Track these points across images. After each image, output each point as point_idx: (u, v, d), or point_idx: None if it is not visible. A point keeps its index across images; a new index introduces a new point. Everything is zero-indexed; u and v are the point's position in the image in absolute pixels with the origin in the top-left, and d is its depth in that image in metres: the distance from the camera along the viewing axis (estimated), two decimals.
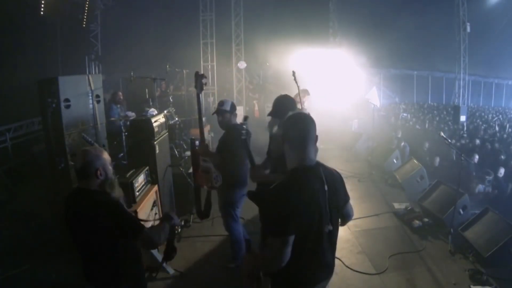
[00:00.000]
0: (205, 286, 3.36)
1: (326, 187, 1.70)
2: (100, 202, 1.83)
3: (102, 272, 1.90)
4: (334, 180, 1.79)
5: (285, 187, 1.67)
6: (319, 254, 1.77)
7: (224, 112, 3.32)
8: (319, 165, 1.75)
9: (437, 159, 7.28)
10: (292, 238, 1.63)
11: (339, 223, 1.87)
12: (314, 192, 1.67)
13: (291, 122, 1.80)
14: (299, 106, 4.17)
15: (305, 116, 1.89)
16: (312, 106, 5.50)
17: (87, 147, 2.11)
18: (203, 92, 11.39)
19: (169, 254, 2.19)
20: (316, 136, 1.76)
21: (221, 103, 3.37)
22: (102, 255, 1.87)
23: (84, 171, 1.87)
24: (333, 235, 1.81)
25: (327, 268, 1.87)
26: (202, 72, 3.30)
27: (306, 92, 5.07)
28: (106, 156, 1.96)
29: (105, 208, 1.81)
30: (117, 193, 1.98)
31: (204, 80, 3.20)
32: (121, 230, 1.82)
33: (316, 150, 1.78)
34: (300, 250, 1.67)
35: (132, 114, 6.04)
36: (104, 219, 1.78)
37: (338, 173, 1.88)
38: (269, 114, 2.95)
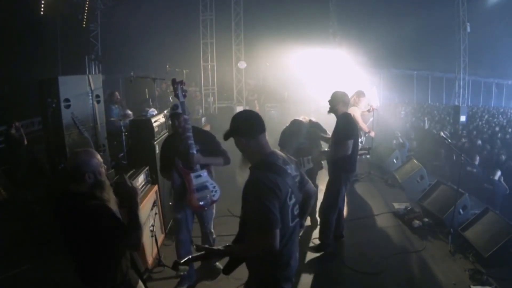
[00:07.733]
0: (205, 285, 3.35)
1: None
2: (89, 207, 1.80)
3: (95, 273, 1.89)
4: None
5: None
6: None
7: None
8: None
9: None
10: None
11: None
12: None
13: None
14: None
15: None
16: (312, 106, 5.52)
17: (79, 148, 2.04)
18: (203, 92, 11.28)
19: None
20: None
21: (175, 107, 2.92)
22: (93, 257, 1.85)
23: (73, 175, 1.86)
24: None
25: None
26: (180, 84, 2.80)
27: (361, 93, 5.65)
28: (96, 158, 1.91)
29: (93, 213, 1.79)
30: (108, 195, 1.93)
31: (184, 87, 2.80)
32: (108, 233, 1.81)
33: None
34: None
35: (129, 113, 6.02)
36: (92, 224, 1.77)
37: None
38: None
